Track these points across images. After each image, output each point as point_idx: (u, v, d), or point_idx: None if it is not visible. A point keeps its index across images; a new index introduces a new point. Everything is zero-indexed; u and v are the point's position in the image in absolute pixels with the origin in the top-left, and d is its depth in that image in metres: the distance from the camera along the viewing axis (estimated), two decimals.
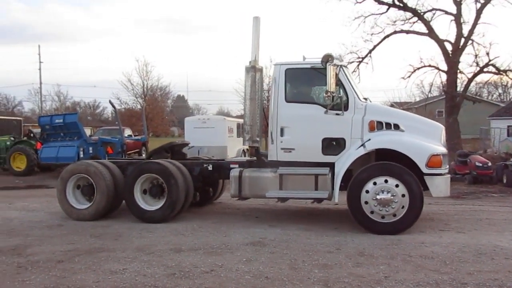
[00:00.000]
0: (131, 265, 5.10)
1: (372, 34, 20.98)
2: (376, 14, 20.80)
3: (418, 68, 20.90)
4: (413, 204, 6.39)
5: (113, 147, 15.56)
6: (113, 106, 16.77)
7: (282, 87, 7.19)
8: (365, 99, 7.38)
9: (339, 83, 6.89)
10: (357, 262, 5.19)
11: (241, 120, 14.45)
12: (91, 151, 14.92)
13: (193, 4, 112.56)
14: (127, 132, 23.25)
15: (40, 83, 48.46)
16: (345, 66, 7.45)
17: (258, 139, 7.59)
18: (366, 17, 20.92)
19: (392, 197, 6.38)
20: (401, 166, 6.50)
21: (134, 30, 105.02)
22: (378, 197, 6.42)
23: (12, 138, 18.39)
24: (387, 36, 20.80)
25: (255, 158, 7.84)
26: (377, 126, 6.87)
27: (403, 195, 6.39)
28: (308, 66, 7.18)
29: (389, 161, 6.63)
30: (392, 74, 74.80)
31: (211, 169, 7.96)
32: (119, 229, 6.99)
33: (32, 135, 17.95)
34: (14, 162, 16.61)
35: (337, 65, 6.84)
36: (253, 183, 7.28)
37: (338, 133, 6.95)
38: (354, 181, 6.64)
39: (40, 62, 47.12)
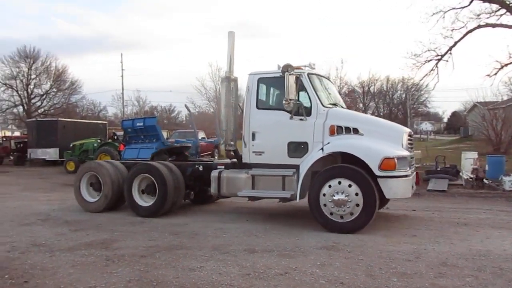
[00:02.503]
0: (207, 263, 5.27)
1: (452, 29, 19.64)
2: (457, 8, 19.44)
3: (506, 64, 19.18)
4: (367, 201, 6.61)
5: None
6: (188, 110, 17.55)
7: (254, 95, 7.77)
8: (334, 104, 7.78)
9: (303, 90, 7.39)
10: (440, 272, 4.87)
11: None
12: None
13: (263, 9, 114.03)
14: (201, 134, 24.10)
15: (122, 89, 52.05)
16: (313, 74, 7.79)
17: (232, 142, 8.19)
18: (445, 12, 19.64)
19: (346, 197, 6.67)
20: (353, 167, 6.77)
21: (206, 36, 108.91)
22: (334, 198, 6.73)
23: (99, 140, 20.04)
24: (470, 31, 19.34)
25: (235, 160, 8.31)
26: (337, 130, 7.20)
27: (357, 194, 6.64)
28: (277, 74, 7.41)
29: (352, 164, 6.84)
30: (476, 71, 69.08)
31: (201, 169, 8.61)
32: (195, 228, 7.26)
33: (116, 137, 19.37)
34: None
35: (297, 74, 7.23)
36: (230, 183, 7.85)
37: (301, 137, 7.35)
38: (312, 186, 7.03)
39: (122, 69, 50.57)
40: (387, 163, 6.60)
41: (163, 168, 8.37)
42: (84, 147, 19.83)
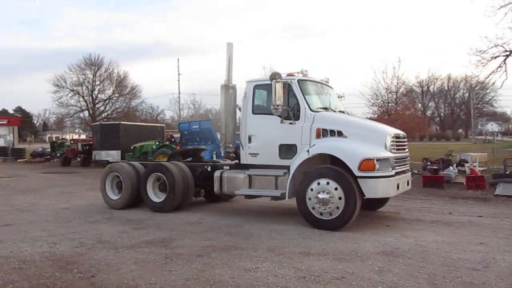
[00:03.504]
0: (262, 264, 5.29)
1: None
2: None
3: None
4: (347, 207, 6.92)
5: None
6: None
7: (251, 101, 8.38)
8: (325, 108, 8.12)
9: (293, 96, 7.83)
10: (511, 284, 4.53)
11: None
12: (223, 154, 15.99)
13: (312, 11, 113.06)
14: None
15: (179, 93, 54.00)
16: (305, 80, 8.21)
17: (231, 145, 9.11)
18: None
19: (329, 198, 7.02)
20: (333, 167, 7.19)
21: (258, 39, 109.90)
22: (319, 196, 7.10)
23: (157, 143, 20.85)
24: None
25: (236, 161, 9.00)
26: (323, 133, 7.58)
27: (340, 198, 6.97)
28: (270, 82, 7.68)
29: (340, 165, 7.11)
30: None
31: (210, 169, 9.20)
32: (250, 229, 7.32)
33: (173, 139, 20.06)
34: None
35: (285, 81, 7.69)
36: (230, 182, 8.51)
37: (291, 139, 7.82)
38: (303, 178, 7.41)
39: (178, 74, 52.38)
40: (366, 164, 6.89)
41: (173, 167, 9.09)
42: (144, 149, 20.72)
